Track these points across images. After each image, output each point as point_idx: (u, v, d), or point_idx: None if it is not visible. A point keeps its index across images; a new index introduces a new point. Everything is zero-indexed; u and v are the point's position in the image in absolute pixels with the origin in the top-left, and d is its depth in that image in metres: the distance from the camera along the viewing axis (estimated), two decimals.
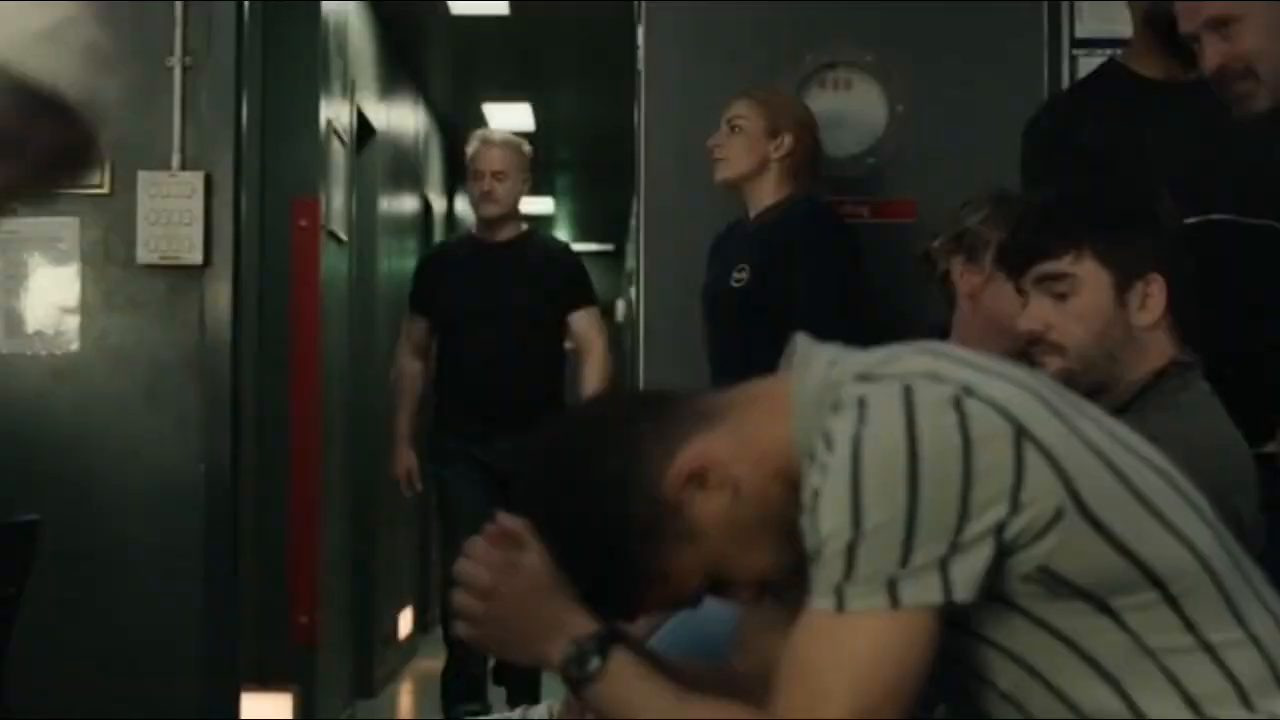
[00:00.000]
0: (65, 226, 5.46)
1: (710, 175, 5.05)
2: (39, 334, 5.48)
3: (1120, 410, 2.63)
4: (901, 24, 5.41)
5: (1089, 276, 2.73)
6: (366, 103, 8.39)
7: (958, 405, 1.90)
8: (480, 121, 12.37)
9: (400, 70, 9.90)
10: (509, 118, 12.30)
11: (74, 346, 5.47)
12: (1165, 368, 2.73)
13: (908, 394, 1.91)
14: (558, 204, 17.41)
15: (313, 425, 6.90)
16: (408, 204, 10.64)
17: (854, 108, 5.41)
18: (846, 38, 5.41)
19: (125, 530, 5.40)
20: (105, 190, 5.45)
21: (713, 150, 4.96)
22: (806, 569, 1.97)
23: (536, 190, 16.74)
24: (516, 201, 6.76)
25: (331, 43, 7.27)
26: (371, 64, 8.76)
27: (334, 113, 7.37)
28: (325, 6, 7.09)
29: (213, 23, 5.51)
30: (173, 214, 5.41)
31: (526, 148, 6.82)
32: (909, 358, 2.01)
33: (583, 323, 6.73)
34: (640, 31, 5.46)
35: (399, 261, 9.74)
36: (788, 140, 4.91)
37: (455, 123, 12.38)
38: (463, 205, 14.43)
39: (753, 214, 4.95)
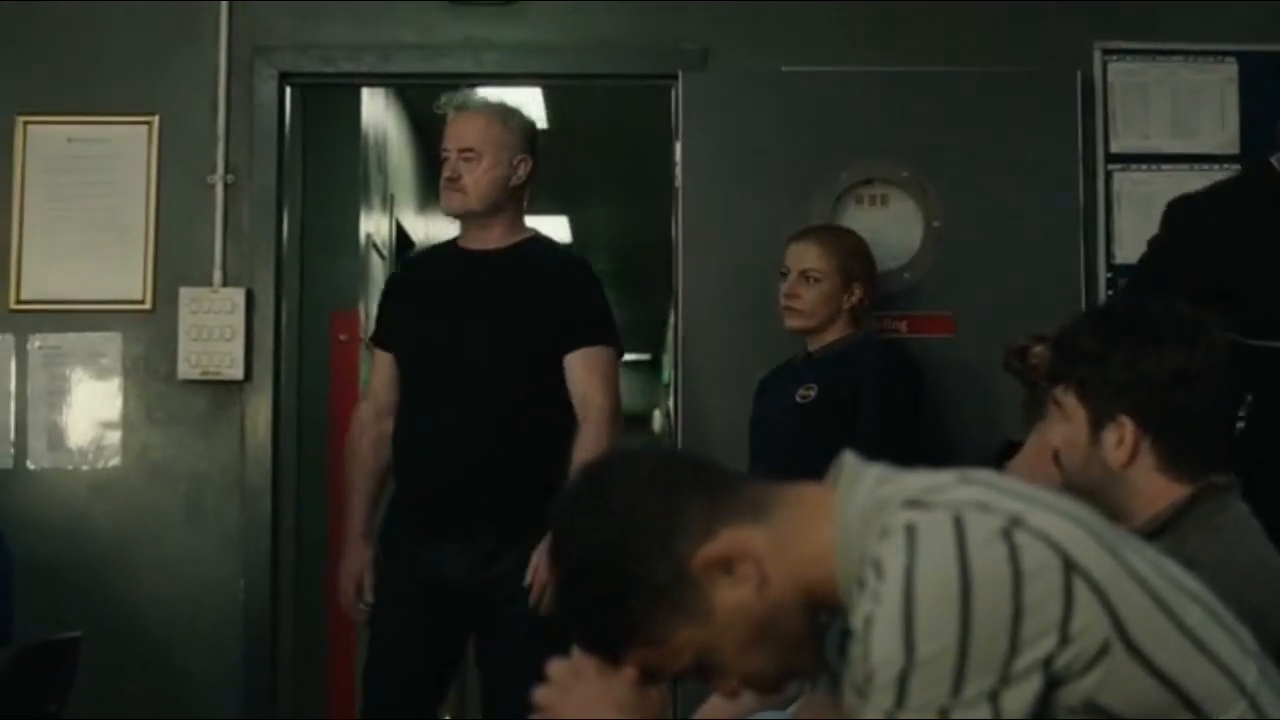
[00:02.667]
0: (108, 341, 5.51)
1: (745, 282, 5.14)
2: (80, 448, 5.52)
3: (1157, 532, 2.64)
4: (936, 140, 5.43)
5: (1071, 410, 2.76)
6: (405, 215, 8.45)
7: (1007, 537, 1.91)
8: None
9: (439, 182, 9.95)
10: (545, 230, 12.35)
11: (115, 461, 5.51)
12: (1203, 489, 2.72)
13: (958, 525, 1.92)
14: None
15: None
16: None
17: (890, 224, 5.44)
18: (882, 154, 5.44)
19: (164, 644, 5.42)
20: (147, 306, 5.50)
21: (786, 298, 4.94)
22: (789, 682, 2.00)
23: None
24: (500, 194, 4.72)
25: (371, 157, 7.33)
26: (410, 177, 8.83)
27: (373, 226, 7.42)
28: (365, 121, 7.15)
29: (254, 140, 5.58)
30: (214, 329, 5.45)
31: (519, 119, 4.82)
32: (958, 487, 2.02)
33: (581, 368, 4.63)
34: (678, 148, 5.50)
35: None
36: (858, 291, 4.92)
37: None
38: None
39: (814, 347, 4.96)
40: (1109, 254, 5.44)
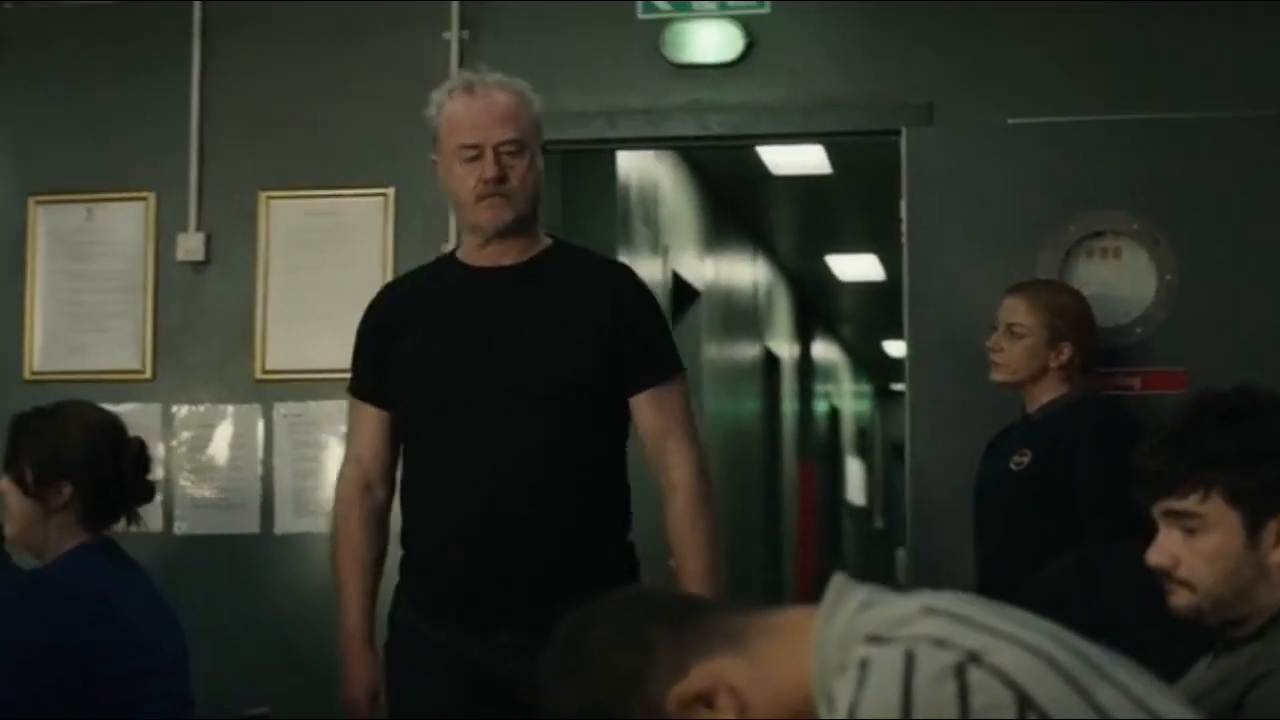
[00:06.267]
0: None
1: (973, 337, 5.00)
2: (326, 514, 5.62)
3: (1254, 637, 2.52)
4: (1169, 190, 5.26)
5: (1217, 517, 2.56)
6: (686, 263, 8.50)
7: (960, 674, 1.84)
8: (825, 272, 12.42)
9: (731, 227, 9.99)
10: (856, 268, 12.33)
11: None
12: None
13: (909, 661, 1.86)
14: None
15: None
16: (745, 355, 10.71)
17: (1122, 276, 5.28)
18: (1112, 205, 5.28)
19: None
20: None
21: (990, 351, 4.86)
22: None
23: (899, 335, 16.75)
24: (541, 194, 3.80)
25: (635, 212, 7.38)
26: (694, 225, 8.88)
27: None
28: (627, 177, 7.21)
29: None
30: None
31: (534, 97, 3.84)
32: (920, 619, 1.96)
33: (654, 412, 3.75)
34: (903, 205, 5.43)
35: (731, 406, 9.87)
36: (1068, 349, 4.78)
37: (801, 273, 12.46)
38: (820, 350, 14.47)
39: (1031, 408, 4.85)
40: None
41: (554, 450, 3.65)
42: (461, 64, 5.72)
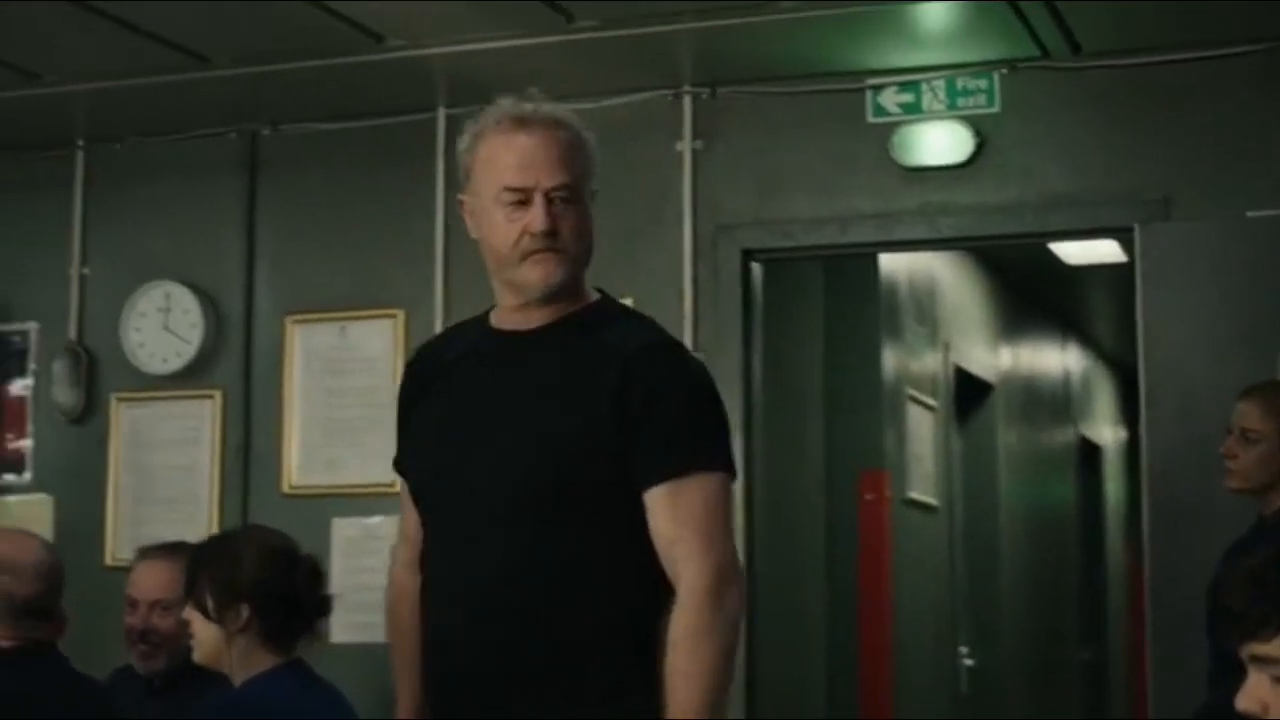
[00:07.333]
0: None
1: (1212, 437, 4.85)
2: None
3: None
4: None
5: None
6: (974, 356, 8.39)
7: None
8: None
9: (1032, 317, 9.83)
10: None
11: None
12: None
13: None
14: None
15: (884, 700, 6.84)
16: (1054, 443, 10.52)
17: None
18: None
19: None
20: None
21: (1225, 458, 4.72)
22: None
23: None
24: (591, 252, 3.14)
25: (906, 310, 7.32)
26: (983, 317, 8.76)
27: (915, 378, 7.41)
28: (894, 276, 7.17)
29: (719, 317, 5.70)
30: None
31: (589, 135, 3.14)
32: None
33: (663, 514, 2.97)
34: (1138, 302, 5.30)
35: (1038, 495, 9.78)
36: None
37: (1123, 358, 12.19)
38: None
39: (1265, 512, 4.71)
40: None
41: (541, 556, 3.02)
42: (695, 174, 5.78)
